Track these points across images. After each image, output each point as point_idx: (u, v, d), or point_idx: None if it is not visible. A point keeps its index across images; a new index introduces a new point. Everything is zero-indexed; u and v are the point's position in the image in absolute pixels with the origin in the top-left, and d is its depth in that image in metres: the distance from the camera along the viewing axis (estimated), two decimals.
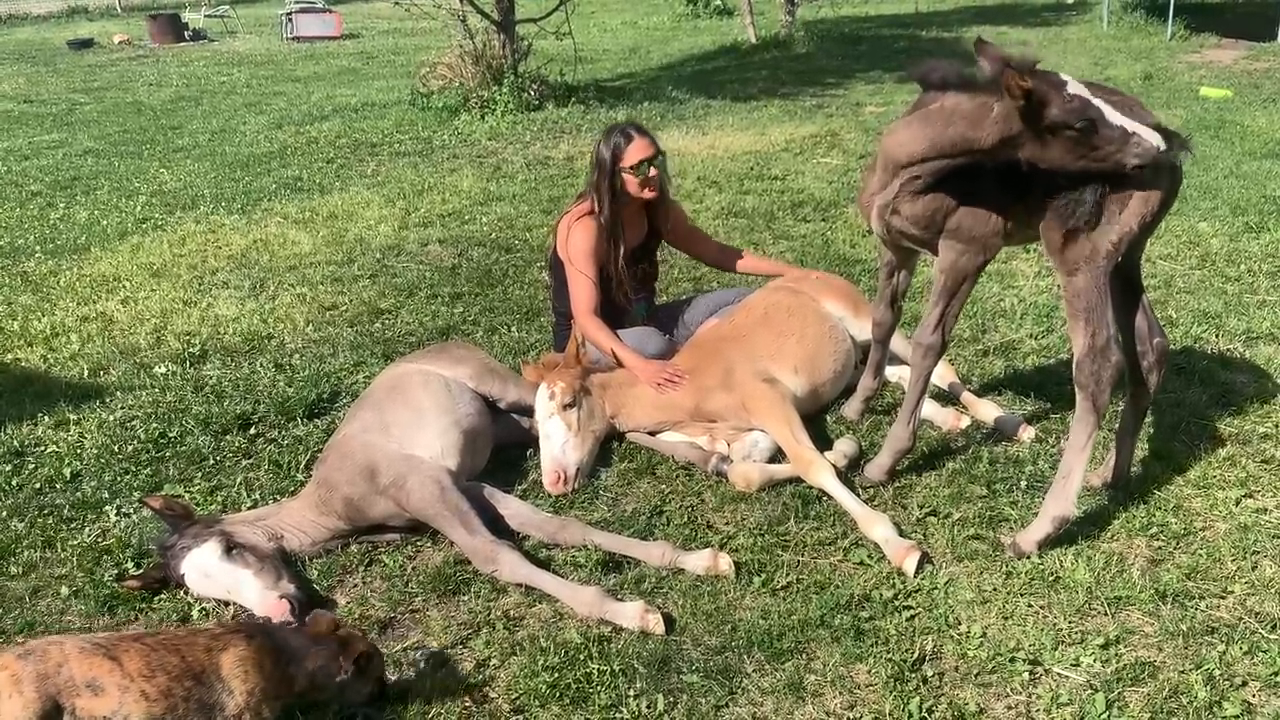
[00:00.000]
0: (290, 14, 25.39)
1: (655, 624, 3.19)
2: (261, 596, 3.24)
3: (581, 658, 3.08)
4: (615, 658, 3.07)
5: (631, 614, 3.22)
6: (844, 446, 4.15)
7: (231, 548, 3.36)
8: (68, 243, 7.84)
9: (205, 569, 3.35)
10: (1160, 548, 3.56)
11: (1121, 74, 13.72)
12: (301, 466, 4.28)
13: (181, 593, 3.47)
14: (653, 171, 4.64)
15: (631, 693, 2.94)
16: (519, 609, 3.36)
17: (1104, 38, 17.87)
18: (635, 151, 4.60)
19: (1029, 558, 3.47)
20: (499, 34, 13.20)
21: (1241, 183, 8.07)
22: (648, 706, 2.90)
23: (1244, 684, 2.94)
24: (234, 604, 3.38)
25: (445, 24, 14.05)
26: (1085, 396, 3.41)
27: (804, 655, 3.10)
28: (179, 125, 13.23)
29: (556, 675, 3.01)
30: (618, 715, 2.87)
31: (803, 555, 3.59)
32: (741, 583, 3.43)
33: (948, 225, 3.57)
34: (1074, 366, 3.44)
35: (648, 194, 4.70)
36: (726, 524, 3.81)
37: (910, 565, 3.44)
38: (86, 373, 5.33)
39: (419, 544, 3.73)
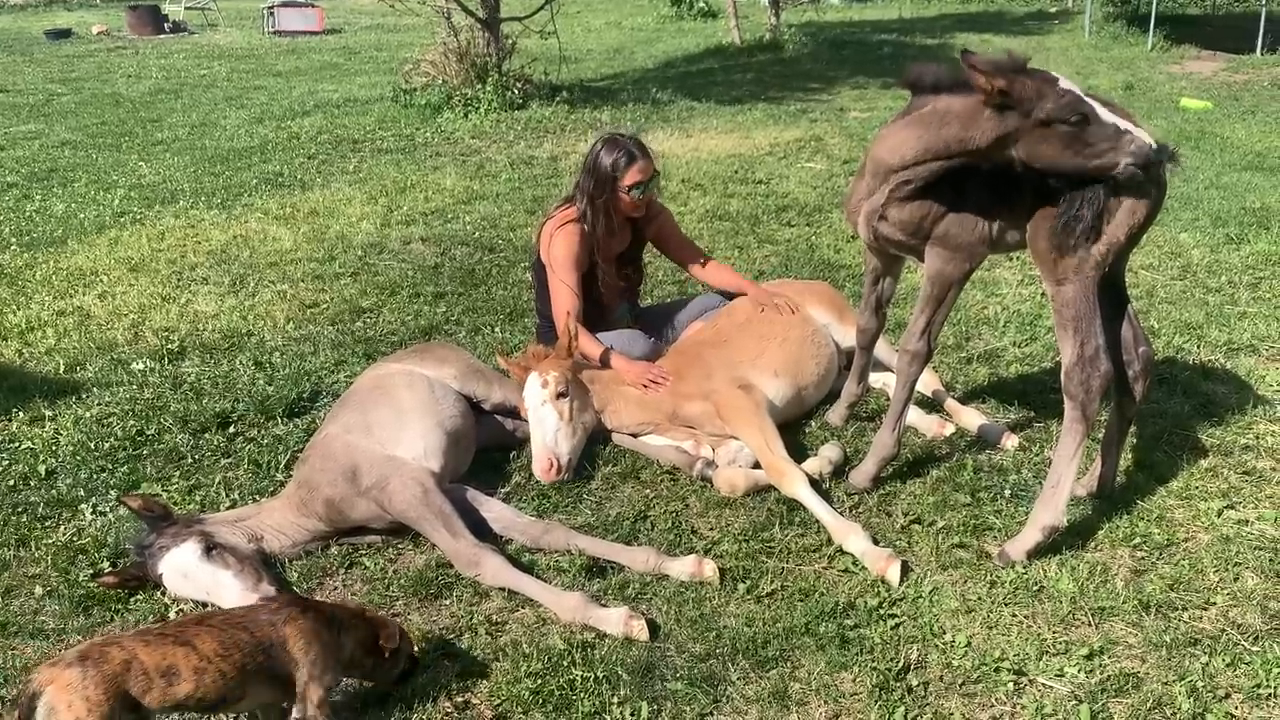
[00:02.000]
0: (272, 8, 25.19)
1: (639, 630, 3.16)
2: (241, 598, 3.18)
3: (565, 664, 3.05)
4: (599, 664, 3.04)
5: (615, 620, 3.19)
6: (829, 452, 4.14)
7: (211, 548, 3.31)
8: (44, 235, 7.74)
9: (184, 569, 3.30)
10: (1143, 558, 3.56)
11: (1103, 84, 13.81)
12: (281, 466, 4.23)
13: (159, 593, 3.42)
14: (645, 195, 4.62)
15: (615, 700, 2.92)
16: (501, 614, 3.33)
17: (1085, 47, 17.98)
18: (635, 173, 4.57)
19: (1016, 566, 3.46)
20: (483, 31, 13.14)
21: (1222, 194, 8.13)
22: (631, 714, 2.87)
23: (1227, 696, 2.95)
24: (211, 605, 3.33)
25: (429, 20, 13.98)
26: (1075, 406, 3.41)
27: (789, 663, 3.08)
28: (158, 118, 13.10)
29: (539, 682, 2.98)
30: None
31: (787, 562, 3.58)
32: (726, 589, 3.41)
33: (935, 232, 3.57)
34: (1063, 376, 3.43)
35: (636, 213, 4.70)
36: (711, 529, 3.79)
37: (894, 575, 3.42)
38: (62, 368, 5.25)
39: (400, 547, 3.69)
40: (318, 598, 3.42)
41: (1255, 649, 3.11)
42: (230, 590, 3.23)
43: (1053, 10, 24.35)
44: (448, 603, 3.39)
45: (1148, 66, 15.63)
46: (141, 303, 6.19)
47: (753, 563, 3.56)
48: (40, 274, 6.81)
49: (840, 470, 4.10)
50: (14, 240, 7.60)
